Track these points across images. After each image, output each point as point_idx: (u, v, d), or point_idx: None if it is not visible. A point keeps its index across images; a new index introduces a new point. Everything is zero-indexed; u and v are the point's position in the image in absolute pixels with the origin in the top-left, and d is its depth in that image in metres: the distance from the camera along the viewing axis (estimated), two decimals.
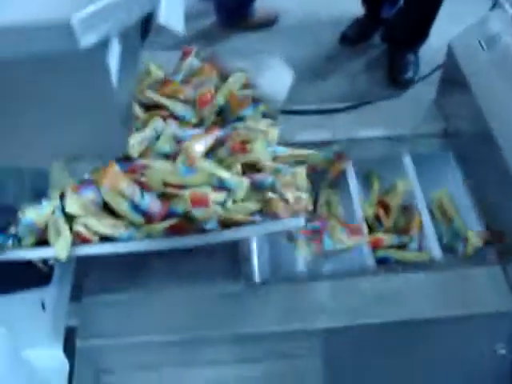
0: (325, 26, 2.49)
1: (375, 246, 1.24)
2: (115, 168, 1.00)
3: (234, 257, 1.16)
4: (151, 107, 1.18)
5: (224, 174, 1.02)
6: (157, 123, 1.12)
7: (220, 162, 1.07)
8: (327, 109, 1.44)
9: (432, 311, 1.09)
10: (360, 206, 1.28)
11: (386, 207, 1.33)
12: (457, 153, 1.38)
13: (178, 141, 1.10)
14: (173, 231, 1.01)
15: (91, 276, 1.13)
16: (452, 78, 1.37)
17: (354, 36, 2.38)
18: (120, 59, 0.56)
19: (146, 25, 0.66)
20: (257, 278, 1.15)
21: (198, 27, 2.58)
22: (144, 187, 1.02)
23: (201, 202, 0.98)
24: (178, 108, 1.16)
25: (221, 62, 1.24)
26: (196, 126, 1.16)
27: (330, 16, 2.54)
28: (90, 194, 1.00)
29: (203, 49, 1.28)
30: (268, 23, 2.54)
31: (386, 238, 1.26)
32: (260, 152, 1.08)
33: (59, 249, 0.96)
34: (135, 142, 1.07)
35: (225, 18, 2.52)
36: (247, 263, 1.16)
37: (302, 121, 1.42)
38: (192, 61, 1.25)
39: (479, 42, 1.28)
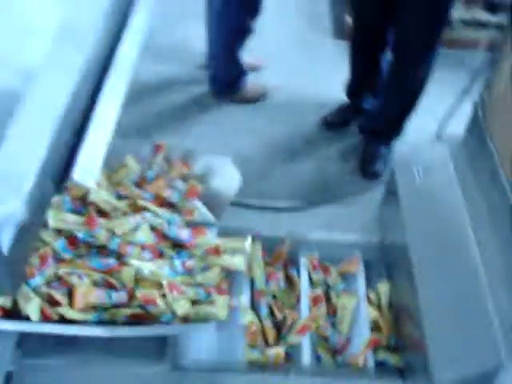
0: (309, 108, 2.62)
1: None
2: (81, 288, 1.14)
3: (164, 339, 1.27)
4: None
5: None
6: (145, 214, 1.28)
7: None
8: (277, 207, 1.56)
9: None
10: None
11: None
12: (386, 260, 1.50)
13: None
14: (135, 318, 1.17)
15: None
16: (391, 194, 1.50)
17: (334, 121, 2.49)
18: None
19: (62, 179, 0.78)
20: (180, 362, 1.25)
21: (192, 94, 2.73)
22: (113, 287, 1.18)
23: (149, 301, 1.16)
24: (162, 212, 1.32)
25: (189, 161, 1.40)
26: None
27: (316, 98, 2.67)
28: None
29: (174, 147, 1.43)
30: (258, 98, 2.68)
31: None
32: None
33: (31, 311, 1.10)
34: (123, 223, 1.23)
35: (217, 89, 2.66)
36: (174, 347, 1.26)
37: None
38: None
39: (417, 170, 1.41)
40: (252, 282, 1.44)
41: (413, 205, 1.37)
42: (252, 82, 2.68)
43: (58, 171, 0.77)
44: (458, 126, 1.50)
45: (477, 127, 1.36)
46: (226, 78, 2.63)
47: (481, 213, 1.27)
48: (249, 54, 2.66)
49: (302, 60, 2.95)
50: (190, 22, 2.87)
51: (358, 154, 2.35)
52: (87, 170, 0.77)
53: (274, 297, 1.45)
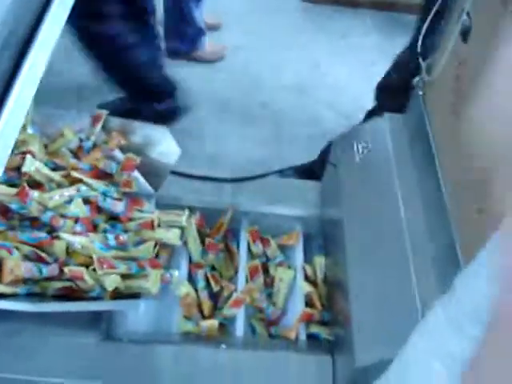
0: (266, 72, 2.59)
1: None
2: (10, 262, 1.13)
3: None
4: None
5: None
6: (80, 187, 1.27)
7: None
8: (217, 177, 1.55)
9: None
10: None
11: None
12: (324, 234, 1.52)
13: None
14: (66, 291, 1.19)
15: None
16: (331, 169, 1.50)
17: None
18: None
19: None
20: (113, 333, 1.27)
21: None
22: (43, 261, 1.18)
23: (77, 277, 1.16)
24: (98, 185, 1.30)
25: (127, 132, 1.38)
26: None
27: (274, 62, 2.64)
28: None
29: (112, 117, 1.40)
30: (215, 59, 2.64)
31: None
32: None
33: None
34: (57, 195, 1.22)
35: (172, 48, 2.61)
36: (108, 318, 1.27)
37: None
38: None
39: (356, 145, 1.42)
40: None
41: (351, 181, 1.38)
42: (210, 42, 2.64)
43: None
44: None
45: (416, 106, 1.36)
46: (182, 36, 2.58)
47: (414, 194, 1.28)
48: (208, 12, 2.61)
49: (264, 21, 2.91)
50: None
51: None
52: None
53: (214, 268, 1.47)
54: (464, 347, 0.59)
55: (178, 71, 2.61)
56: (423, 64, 1.34)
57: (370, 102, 2.27)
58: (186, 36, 2.56)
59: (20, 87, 0.79)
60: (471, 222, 1.05)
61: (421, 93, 1.36)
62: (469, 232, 1.07)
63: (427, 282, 1.18)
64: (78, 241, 1.19)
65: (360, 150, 1.40)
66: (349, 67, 3.03)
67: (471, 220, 1.05)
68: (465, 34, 1.17)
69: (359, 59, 3.11)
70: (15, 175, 1.27)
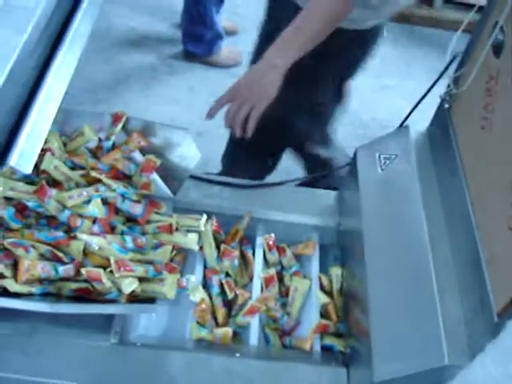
0: None
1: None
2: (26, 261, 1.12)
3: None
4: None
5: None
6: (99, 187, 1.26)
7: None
8: (235, 183, 1.53)
9: None
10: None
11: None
12: (341, 245, 1.50)
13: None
14: (82, 292, 1.17)
15: None
16: (351, 179, 1.48)
17: None
18: None
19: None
20: (126, 337, 1.24)
21: (163, 53, 2.66)
22: (60, 260, 1.16)
23: (95, 279, 1.14)
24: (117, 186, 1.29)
25: (147, 134, 1.36)
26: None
27: None
28: None
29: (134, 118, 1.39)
30: (232, 64, 2.63)
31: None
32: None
33: None
34: (75, 195, 1.21)
35: (191, 50, 2.61)
36: (121, 321, 1.25)
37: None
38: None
39: (379, 156, 1.40)
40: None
41: (371, 192, 1.36)
42: (228, 47, 2.63)
43: None
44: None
45: (442, 119, 1.35)
46: (200, 40, 2.57)
47: (437, 208, 1.27)
48: (227, 17, 2.60)
49: None
50: None
51: None
52: (25, 155, 0.74)
53: (228, 275, 1.45)
54: None
55: (193, 74, 2.61)
56: (451, 77, 1.33)
57: (382, 113, 2.27)
58: (203, 39, 2.56)
59: (52, 81, 0.78)
60: (501, 239, 1.03)
61: (447, 106, 1.34)
62: (497, 249, 1.05)
63: (450, 300, 1.16)
64: (96, 242, 1.17)
65: (382, 161, 1.38)
66: (361, 77, 3.02)
67: (501, 236, 1.03)
68: (497, 49, 1.16)
69: (372, 69, 3.09)
70: (33, 173, 1.25)
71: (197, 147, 1.37)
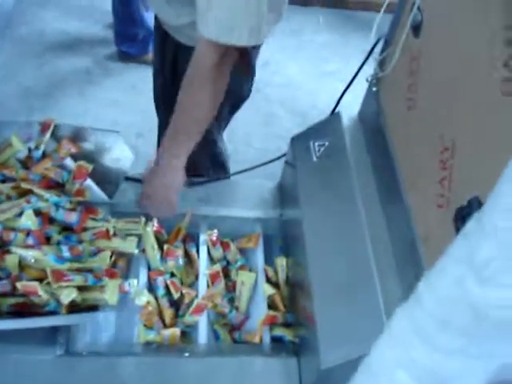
0: None
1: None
2: None
3: None
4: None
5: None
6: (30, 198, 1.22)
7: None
8: None
9: None
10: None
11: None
12: (284, 235, 1.50)
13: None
14: (20, 307, 1.14)
15: None
16: (289, 169, 1.49)
17: None
18: None
19: None
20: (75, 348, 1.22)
21: (98, 55, 2.62)
22: None
23: (31, 293, 1.11)
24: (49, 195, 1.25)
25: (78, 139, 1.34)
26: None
27: None
28: None
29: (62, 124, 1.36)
30: None
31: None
32: None
33: None
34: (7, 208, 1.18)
35: (124, 50, 2.57)
36: (65, 331, 1.23)
37: None
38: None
39: (313, 144, 1.41)
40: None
41: (308, 180, 1.37)
42: None
43: None
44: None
45: (371, 103, 1.36)
46: (133, 39, 2.54)
47: (372, 190, 1.28)
48: None
49: None
50: None
51: None
52: None
53: (173, 275, 1.44)
54: (431, 357, 0.58)
55: (130, 75, 2.58)
56: (376, 60, 1.34)
57: (323, 100, 2.28)
58: (136, 39, 2.52)
59: None
60: (432, 218, 1.05)
61: (375, 89, 1.36)
62: (429, 227, 1.07)
63: (389, 281, 1.18)
64: (31, 254, 1.14)
65: (317, 149, 1.39)
66: (300, 65, 3.03)
67: (432, 215, 1.05)
68: (416, 29, 1.17)
69: (311, 57, 3.11)
70: None
71: (130, 149, 1.35)
